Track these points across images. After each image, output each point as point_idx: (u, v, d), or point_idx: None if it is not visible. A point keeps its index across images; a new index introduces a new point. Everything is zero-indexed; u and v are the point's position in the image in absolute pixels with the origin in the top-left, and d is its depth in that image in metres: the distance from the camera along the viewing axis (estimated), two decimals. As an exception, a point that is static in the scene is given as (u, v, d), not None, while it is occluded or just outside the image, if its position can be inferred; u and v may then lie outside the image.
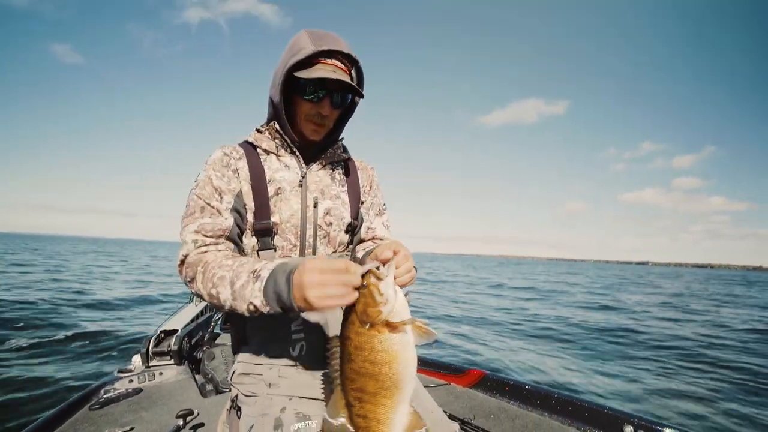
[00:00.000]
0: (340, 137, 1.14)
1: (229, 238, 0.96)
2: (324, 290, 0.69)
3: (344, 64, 0.96)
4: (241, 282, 0.81)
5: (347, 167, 1.17)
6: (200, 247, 0.92)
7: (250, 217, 1.00)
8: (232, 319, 1.07)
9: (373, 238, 1.20)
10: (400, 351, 0.68)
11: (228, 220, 0.96)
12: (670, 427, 1.45)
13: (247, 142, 1.07)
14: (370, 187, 1.22)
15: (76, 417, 1.86)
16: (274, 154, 1.05)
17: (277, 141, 1.05)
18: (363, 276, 0.69)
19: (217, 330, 2.99)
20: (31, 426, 1.67)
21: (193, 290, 0.92)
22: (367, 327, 0.67)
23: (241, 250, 1.02)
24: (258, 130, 1.08)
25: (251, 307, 0.79)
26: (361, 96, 1.01)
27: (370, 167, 1.24)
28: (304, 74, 0.92)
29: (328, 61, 0.94)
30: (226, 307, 0.84)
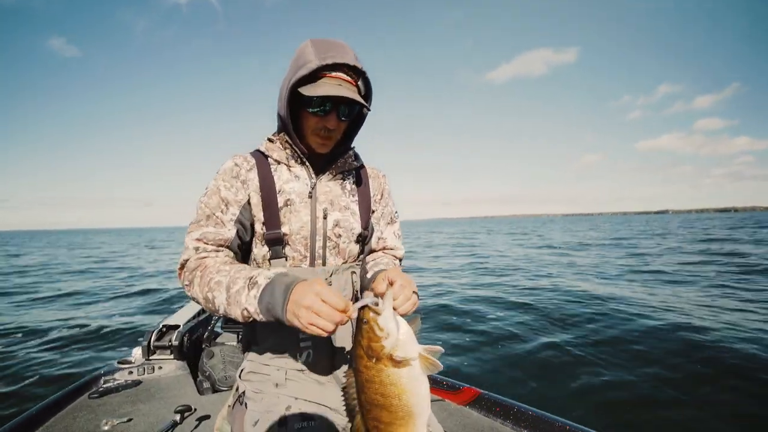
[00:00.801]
0: (351, 146, 1.15)
1: (229, 248, 1.00)
2: (314, 318, 0.72)
3: (350, 76, 0.96)
4: (237, 287, 0.84)
5: (359, 176, 1.17)
6: (201, 253, 0.96)
7: (259, 227, 1.03)
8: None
9: (384, 248, 1.21)
10: (408, 383, 0.69)
11: (230, 232, 0.99)
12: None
13: (258, 151, 1.09)
14: (381, 195, 1.22)
15: (75, 404, 1.90)
16: (285, 164, 1.07)
17: (287, 151, 1.07)
18: (361, 310, 0.70)
19: (217, 329, 3.02)
20: (31, 411, 1.71)
21: (189, 294, 0.95)
22: (374, 361, 0.68)
23: (241, 262, 1.04)
24: (270, 140, 1.10)
25: (245, 313, 0.83)
26: (368, 109, 1.02)
27: (382, 174, 1.24)
28: (308, 90, 0.91)
29: (334, 74, 0.93)
30: (220, 312, 0.87)
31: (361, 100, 0.95)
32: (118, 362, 2.42)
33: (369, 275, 1.09)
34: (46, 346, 4.76)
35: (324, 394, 1.01)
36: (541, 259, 13.08)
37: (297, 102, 0.98)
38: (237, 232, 1.00)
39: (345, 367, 1.08)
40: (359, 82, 0.99)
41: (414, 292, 0.83)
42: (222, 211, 0.99)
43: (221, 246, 0.98)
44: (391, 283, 0.78)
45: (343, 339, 1.07)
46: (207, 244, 0.97)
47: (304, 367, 1.03)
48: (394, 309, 0.73)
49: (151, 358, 2.51)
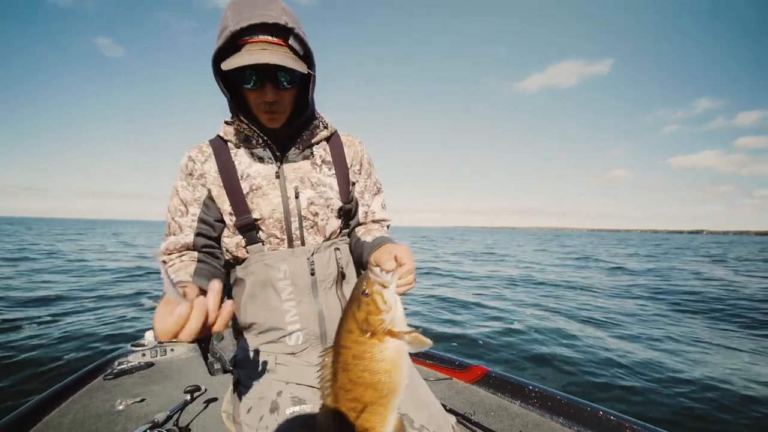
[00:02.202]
0: (313, 114, 1.03)
1: (194, 249, 0.97)
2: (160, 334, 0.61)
3: (278, 36, 0.82)
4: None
5: (332, 146, 1.07)
6: (168, 264, 0.94)
7: (228, 219, 0.97)
8: (234, 306, 1.06)
9: (373, 221, 1.14)
10: (399, 359, 0.68)
11: (188, 237, 0.95)
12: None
13: (218, 137, 1.01)
14: (361, 165, 1.11)
15: (91, 385, 1.95)
16: (245, 147, 0.99)
17: (245, 132, 0.98)
18: (366, 282, 0.68)
19: None
20: (49, 391, 1.76)
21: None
22: (368, 336, 0.67)
23: (213, 257, 1.00)
24: (227, 123, 1.01)
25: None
26: (306, 71, 0.86)
27: (358, 141, 1.12)
28: (226, 64, 0.80)
29: (256, 38, 0.81)
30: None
31: (291, 64, 0.81)
32: (132, 345, 2.48)
33: (369, 240, 1.02)
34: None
35: (316, 375, 0.98)
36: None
37: (232, 78, 0.88)
38: (201, 231, 0.96)
39: None
40: (291, 41, 0.84)
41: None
42: (181, 214, 0.96)
43: (183, 251, 0.96)
44: (399, 264, 0.75)
45: (333, 319, 1.01)
46: (171, 253, 0.95)
47: (294, 351, 0.99)
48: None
49: (162, 341, 2.57)
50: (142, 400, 1.81)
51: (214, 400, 1.85)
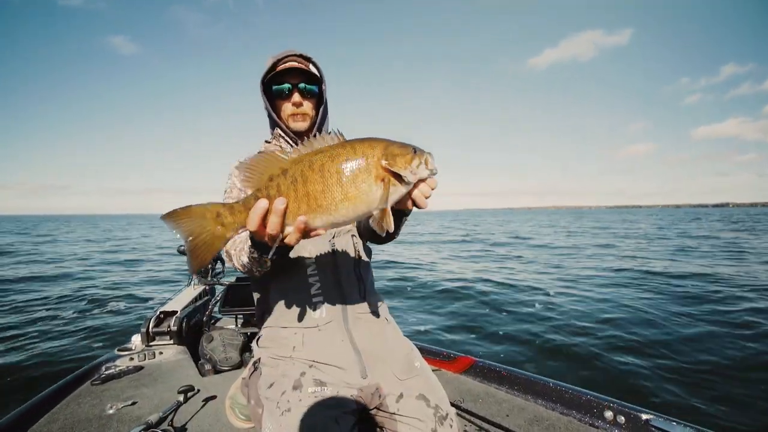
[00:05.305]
0: (327, 127, 1.35)
1: None
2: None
3: (300, 62, 1.25)
4: (240, 246, 1.03)
5: None
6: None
7: None
8: (258, 291, 1.24)
9: None
10: (367, 200, 0.75)
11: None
12: (649, 413, 1.52)
13: (259, 152, 1.27)
14: None
15: (78, 391, 1.93)
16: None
17: (281, 142, 1.31)
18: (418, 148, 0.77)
19: (215, 314, 3.05)
20: (33, 400, 1.74)
21: (231, 266, 1.11)
22: (384, 162, 0.74)
23: None
24: (267, 142, 1.35)
25: (252, 254, 0.96)
26: (319, 79, 1.26)
27: None
28: (271, 78, 1.22)
29: (287, 64, 1.23)
30: (247, 268, 1.00)
31: (312, 68, 1.23)
32: (118, 350, 2.45)
33: None
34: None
35: (338, 354, 1.10)
36: None
37: (272, 100, 1.27)
38: None
39: (358, 322, 1.18)
40: (310, 66, 1.25)
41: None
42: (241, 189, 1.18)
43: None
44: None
45: (353, 297, 1.19)
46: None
47: (319, 324, 1.13)
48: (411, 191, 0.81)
49: (150, 344, 2.55)
50: (134, 403, 1.80)
51: (211, 398, 1.85)
